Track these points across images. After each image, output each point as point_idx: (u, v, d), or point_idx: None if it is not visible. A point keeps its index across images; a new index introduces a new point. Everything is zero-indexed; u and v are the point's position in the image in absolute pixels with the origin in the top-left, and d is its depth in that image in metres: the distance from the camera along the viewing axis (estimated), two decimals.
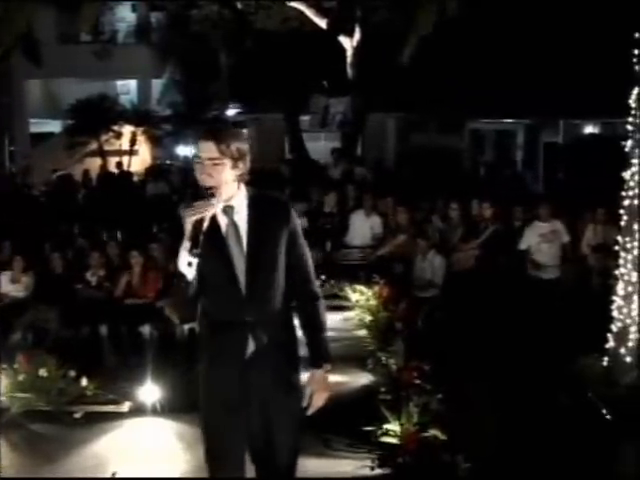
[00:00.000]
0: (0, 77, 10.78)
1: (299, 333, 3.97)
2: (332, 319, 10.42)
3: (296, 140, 23.31)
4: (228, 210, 3.78)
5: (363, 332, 9.96)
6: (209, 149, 3.67)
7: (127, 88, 29.82)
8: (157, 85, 29.18)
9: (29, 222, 14.78)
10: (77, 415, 7.32)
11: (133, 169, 23.55)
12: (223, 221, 3.78)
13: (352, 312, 10.83)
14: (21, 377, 7.62)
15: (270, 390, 3.77)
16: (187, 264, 3.61)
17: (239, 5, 21.14)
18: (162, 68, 27.17)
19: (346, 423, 6.51)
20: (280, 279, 3.81)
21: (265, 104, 24.30)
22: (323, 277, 11.45)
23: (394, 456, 5.93)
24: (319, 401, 3.91)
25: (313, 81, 23.61)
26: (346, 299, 11.24)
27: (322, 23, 19.61)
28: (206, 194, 3.68)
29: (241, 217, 3.79)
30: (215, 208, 3.68)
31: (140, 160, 25.67)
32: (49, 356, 8.04)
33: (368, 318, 10.12)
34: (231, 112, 27.48)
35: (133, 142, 25.50)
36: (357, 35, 19.67)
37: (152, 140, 26.34)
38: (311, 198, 14.44)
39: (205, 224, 3.64)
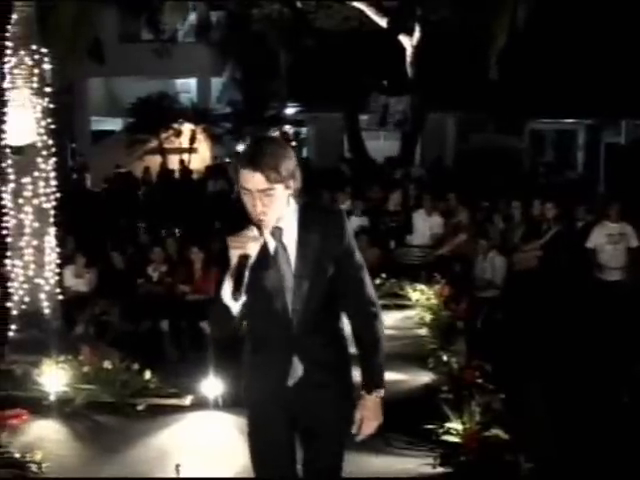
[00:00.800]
0: (62, 76, 10.94)
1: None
2: (392, 317, 10.49)
3: (355, 139, 23.28)
4: (276, 232, 3.44)
5: (423, 331, 9.92)
6: (257, 181, 3.26)
7: (187, 86, 30.09)
8: (217, 84, 29.41)
9: (91, 218, 15.01)
10: (140, 407, 7.37)
11: (193, 167, 23.75)
12: (271, 243, 3.46)
13: (412, 311, 10.79)
14: (85, 369, 7.71)
15: (316, 414, 3.55)
16: (233, 298, 3.29)
17: (299, 4, 21.18)
18: (222, 67, 27.34)
19: (407, 421, 6.47)
20: (330, 299, 3.52)
21: (324, 103, 24.30)
22: (384, 275, 11.50)
23: (456, 455, 5.90)
24: (368, 429, 3.62)
25: (372, 80, 23.58)
26: (406, 298, 11.21)
27: (382, 22, 19.55)
28: (254, 222, 3.32)
29: (290, 238, 3.46)
30: (260, 242, 3.31)
31: (199, 158, 25.88)
32: (113, 349, 8.15)
33: (429, 317, 10.08)
34: (290, 111, 27.56)
35: (193, 140, 25.72)
36: (417, 34, 19.59)
37: (211, 138, 26.56)
38: (370, 197, 14.41)
39: (250, 261, 3.27)
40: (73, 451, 6.54)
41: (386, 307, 10.96)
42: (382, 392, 3.61)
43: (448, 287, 10.48)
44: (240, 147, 27.66)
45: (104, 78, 28.14)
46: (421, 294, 10.92)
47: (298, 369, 3.50)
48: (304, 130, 29.00)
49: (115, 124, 29.77)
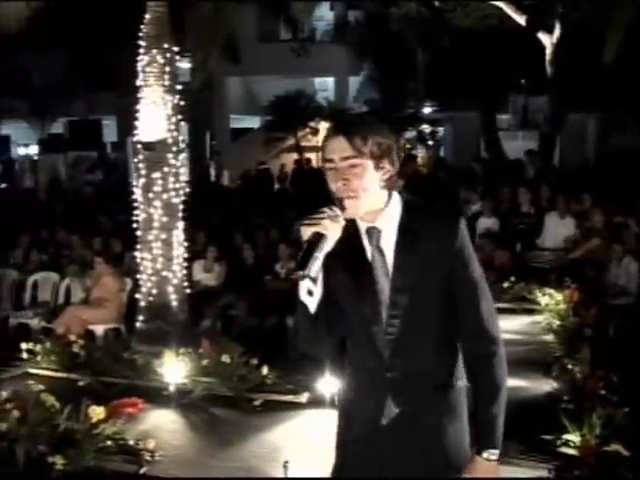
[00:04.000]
0: (200, 74, 11.20)
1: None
2: (519, 322, 10.27)
3: (492, 139, 22.92)
4: (373, 233, 2.90)
5: (550, 337, 9.62)
6: (340, 147, 2.77)
7: (324, 85, 30.33)
8: (354, 82, 29.51)
9: (223, 213, 15.30)
10: (256, 402, 7.43)
11: None
12: (368, 247, 2.91)
13: (540, 316, 10.49)
14: (204, 362, 7.85)
15: (412, 473, 2.95)
16: (307, 292, 2.82)
17: (437, 3, 20.97)
18: (359, 66, 27.42)
19: (524, 430, 6.27)
20: (438, 323, 2.90)
21: (461, 102, 24.03)
22: (512, 279, 11.26)
23: (572, 468, 5.67)
24: None
25: (511, 79, 23.14)
26: (535, 302, 10.90)
27: (521, 20, 19.11)
28: (337, 204, 2.81)
29: (390, 242, 2.89)
30: (341, 223, 2.78)
31: None
32: (234, 343, 8.24)
33: (556, 323, 9.77)
34: (427, 110, 27.38)
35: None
36: (557, 32, 19.04)
37: None
38: (502, 198, 14.11)
39: (328, 244, 2.74)
40: (187, 442, 6.67)
41: (513, 311, 10.75)
42: (497, 453, 2.94)
43: (578, 292, 10.11)
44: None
45: (243, 77, 28.68)
46: (550, 299, 10.58)
47: (393, 411, 2.92)
48: (441, 130, 28.72)
49: (253, 122, 30.32)
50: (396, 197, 2.91)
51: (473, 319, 2.90)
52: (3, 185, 28.02)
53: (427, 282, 2.85)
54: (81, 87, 27.84)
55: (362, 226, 2.91)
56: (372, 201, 2.84)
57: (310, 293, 2.83)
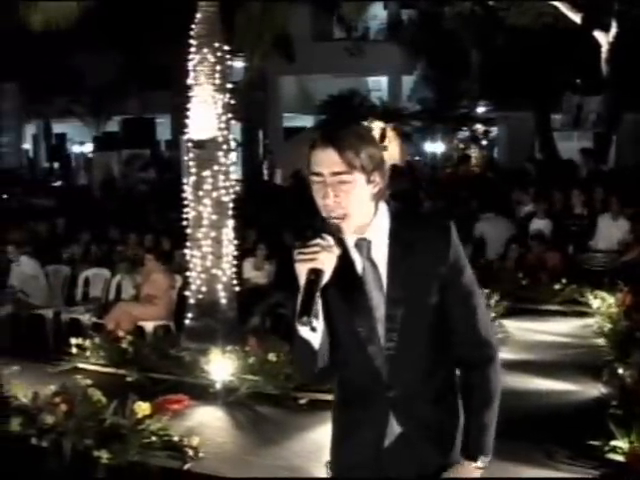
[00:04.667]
0: (251, 72, 11.31)
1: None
2: (570, 325, 10.16)
3: (546, 139, 22.71)
4: (362, 244, 2.71)
5: (601, 340, 9.47)
6: (330, 160, 2.57)
7: (378, 85, 30.30)
8: (407, 82, 29.42)
9: (274, 212, 15.34)
10: (302, 401, 7.43)
11: None
12: (357, 260, 2.72)
13: (591, 319, 10.34)
14: (251, 360, 7.88)
15: None
16: (310, 329, 2.57)
17: (491, 2, 20.82)
18: (413, 65, 27.33)
19: (571, 434, 6.20)
20: (435, 333, 2.75)
21: (515, 102, 23.81)
22: (564, 280, 11.14)
23: (619, 475, 5.57)
24: None
25: (566, 79, 22.86)
26: (586, 305, 10.75)
27: (576, 18, 18.87)
28: (327, 226, 2.59)
29: (381, 253, 2.71)
30: (335, 253, 2.56)
31: (389, 156, 25.95)
32: (281, 342, 8.26)
33: (607, 326, 9.62)
34: (480, 109, 27.20)
35: (382, 138, 25.81)
36: (613, 30, 18.77)
37: (401, 136, 26.60)
38: (555, 199, 13.95)
39: (325, 277, 2.52)
40: (231, 439, 6.72)
41: (564, 314, 10.65)
42: (485, 462, 2.78)
43: (631, 295, 9.94)
44: (428, 145, 27.63)
45: (296, 76, 28.75)
46: (602, 301, 10.43)
47: (395, 431, 2.76)
48: (494, 129, 28.50)
49: (306, 121, 30.37)
50: (383, 206, 2.73)
51: (469, 324, 2.76)
52: (59, 182, 28.50)
53: (423, 291, 2.70)
54: (135, 86, 28.21)
55: (349, 239, 2.70)
56: (363, 215, 2.67)
57: (313, 329, 2.59)
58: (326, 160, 2.58)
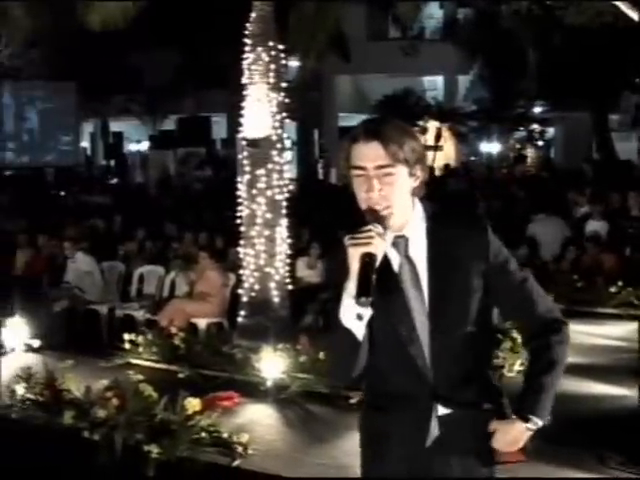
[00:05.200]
0: (305, 72, 11.35)
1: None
2: (624, 328, 9.94)
3: (604, 139, 22.41)
4: (400, 242, 2.68)
5: None
6: (375, 154, 2.57)
7: (434, 84, 30.14)
8: (463, 81, 29.23)
9: (328, 211, 15.34)
10: (352, 400, 7.39)
11: (437, 164, 23.71)
12: (395, 258, 2.68)
13: None
14: (302, 358, 7.88)
15: None
16: (356, 317, 2.52)
17: (549, 1, 20.55)
18: (469, 65, 27.14)
19: (625, 440, 6.08)
20: (481, 333, 2.71)
21: (573, 102, 23.51)
22: (620, 283, 10.95)
23: None
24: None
25: (624, 78, 22.51)
26: None
27: (635, 16, 18.54)
28: (371, 218, 2.57)
29: (419, 250, 2.68)
30: (385, 239, 2.56)
31: (444, 156, 25.86)
32: None
33: None
34: (537, 109, 26.92)
35: (438, 138, 25.71)
36: None
37: (457, 136, 26.46)
38: (612, 200, 13.74)
39: (377, 263, 2.51)
40: (280, 436, 6.72)
41: (619, 317, 10.44)
42: (537, 424, 2.70)
43: None
44: (484, 145, 27.42)
45: (352, 75, 28.74)
46: None
47: (434, 432, 2.70)
48: (551, 130, 28.18)
49: (361, 120, 30.34)
50: (418, 204, 2.72)
51: (534, 305, 2.73)
52: (115, 180, 28.85)
53: (465, 289, 2.67)
54: (191, 85, 28.42)
55: (388, 236, 2.64)
56: (404, 209, 2.66)
57: (360, 317, 2.54)
58: (370, 154, 2.58)
